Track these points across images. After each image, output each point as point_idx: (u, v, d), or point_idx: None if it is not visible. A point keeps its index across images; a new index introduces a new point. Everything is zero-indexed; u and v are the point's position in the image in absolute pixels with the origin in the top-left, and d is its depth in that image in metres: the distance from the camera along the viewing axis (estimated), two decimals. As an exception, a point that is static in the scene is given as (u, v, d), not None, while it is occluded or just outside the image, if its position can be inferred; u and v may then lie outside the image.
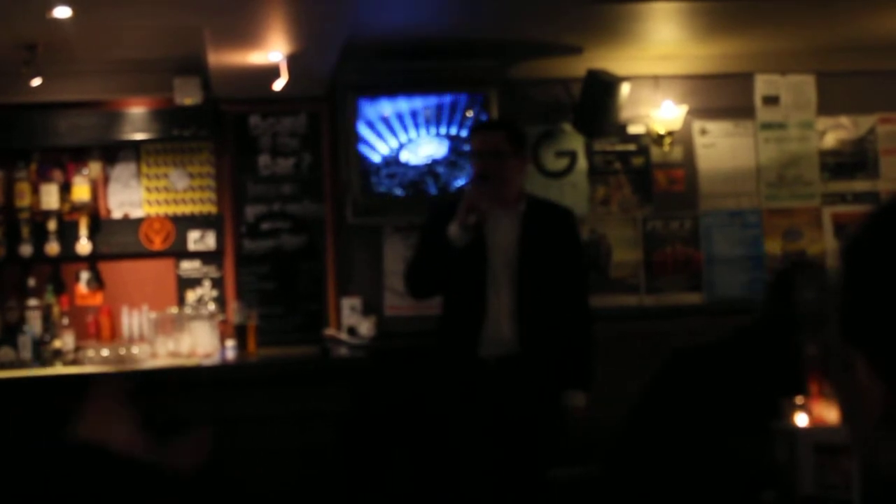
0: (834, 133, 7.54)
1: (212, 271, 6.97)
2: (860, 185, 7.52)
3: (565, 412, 4.92)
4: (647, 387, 4.38)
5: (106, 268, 6.86)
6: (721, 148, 7.44)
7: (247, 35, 5.62)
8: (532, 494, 4.94)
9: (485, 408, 4.90)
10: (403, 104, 6.83)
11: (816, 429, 3.18)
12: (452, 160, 6.82)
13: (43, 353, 6.48)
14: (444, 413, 5.06)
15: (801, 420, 3.24)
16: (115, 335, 6.73)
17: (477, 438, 4.92)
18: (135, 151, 6.94)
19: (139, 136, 6.81)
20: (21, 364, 6.40)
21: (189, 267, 6.96)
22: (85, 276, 6.82)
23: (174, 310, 6.78)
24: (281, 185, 7.06)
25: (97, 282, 6.83)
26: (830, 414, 3.19)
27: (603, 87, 6.81)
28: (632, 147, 7.38)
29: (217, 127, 6.92)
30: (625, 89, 6.84)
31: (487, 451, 4.92)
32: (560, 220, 5.16)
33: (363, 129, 6.78)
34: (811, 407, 3.26)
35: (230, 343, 6.68)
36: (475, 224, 4.81)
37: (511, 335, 4.90)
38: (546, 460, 5.01)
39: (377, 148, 6.80)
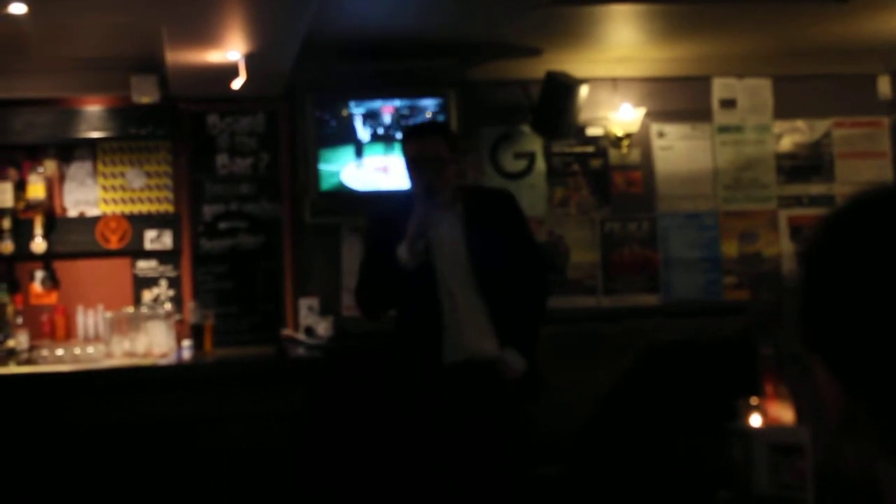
0: (790, 136, 7.60)
1: (168, 271, 6.93)
2: (816, 188, 7.59)
3: (499, 367, 4.74)
4: (619, 382, 4.40)
5: (61, 267, 6.81)
6: (678, 150, 7.49)
7: (205, 33, 5.59)
8: (497, 496, 4.85)
9: (449, 413, 4.78)
10: (361, 105, 6.84)
11: (771, 429, 3.20)
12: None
13: (-4, 353, 6.43)
14: (407, 420, 4.99)
15: (756, 420, 3.27)
16: (70, 335, 6.68)
17: (441, 444, 4.83)
18: (91, 150, 6.89)
19: (95, 135, 6.76)
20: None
21: (145, 266, 6.92)
22: (40, 275, 6.77)
23: (130, 309, 6.73)
24: (239, 184, 7.03)
25: (52, 281, 6.77)
26: (785, 414, 3.22)
27: (561, 89, 6.84)
28: (590, 149, 7.41)
29: (174, 126, 6.88)
30: (583, 91, 6.87)
31: (452, 456, 4.83)
32: (499, 204, 4.98)
33: (321, 130, 6.78)
34: (766, 407, 3.28)
35: (186, 343, 6.65)
36: (424, 244, 4.67)
37: (473, 338, 4.76)
38: (512, 464, 4.86)
39: (334, 149, 6.80)
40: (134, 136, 6.81)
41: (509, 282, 4.82)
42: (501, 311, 4.78)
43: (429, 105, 6.89)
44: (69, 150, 6.86)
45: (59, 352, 6.50)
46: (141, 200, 6.93)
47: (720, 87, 7.55)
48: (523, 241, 4.97)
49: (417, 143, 4.83)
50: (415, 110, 6.88)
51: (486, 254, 4.81)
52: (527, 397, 4.93)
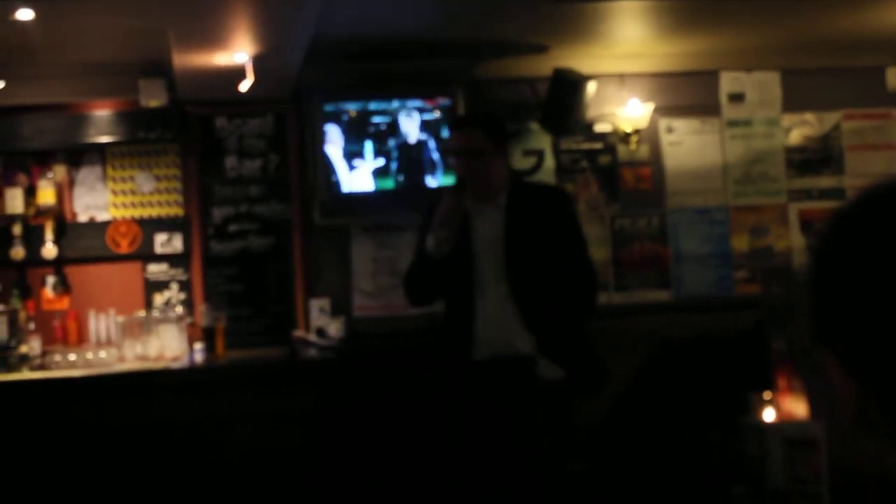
0: (799, 130, 7.58)
1: (179, 274, 6.94)
2: (826, 182, 7.56)
3: (539, 381, 4.63)
4: (630, 381, 4.39)
5: (72, 272, 6.82)
6: (687, 145, 7.47)
7: (212, 36, 5.59)
8: (524, 495, 4.73)
9: (472, 411, 4.69)
10: (368, 107, 6.85)
11: (785, 423, 3.20)
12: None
13: (9, 359, 6.43)
14: (430, 415, 4.93)
15: (769, 415, 3.26)
16: (82, 339, 6.68)
17: (462, 442, 4.76)
18: (100, 154, 6.89)
19: (104, 139, 6.77)
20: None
21: (156, 270, 6.92)
22: (51, 280, 6.78)
23: (142, 313, 6.74)
24: (248, 186, 7.03)
25: (63, 286, 6.78)
26: (799, 408, 3.21)
27: (569, 86, 6.82)
28: (599, 145, 7.40)
29: (183, 129, 6.88)
30: (591, 88, 6.86)
31: (473, 454, 4.74)
32: (548, 201, 4.86)
33: (329, 131, 6.79)
34: (780, 402, 3.28)
35: (198, 346, 6.64)
36: (451, 234, 4.58)
37: (502, 335, 4.64)
38: (542, 462, 4.70)
39: (341, 150, 6.81)
40: (143, 139, 6.81)
41: (548, 283, 4.70)
42: (536, 310, 4.67)
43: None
44: (78, 156, 6.87)
45: (72, 356, 6.51)
46: (151, 204, 6.94)
47: (728, 82, 7.54)
48: (570, 243, 4.82)
49: (455, 136, 4.85)
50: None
51: (523, 251, 4.70)
52: (585, 393, 4.85)
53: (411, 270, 4.94)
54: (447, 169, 6.77)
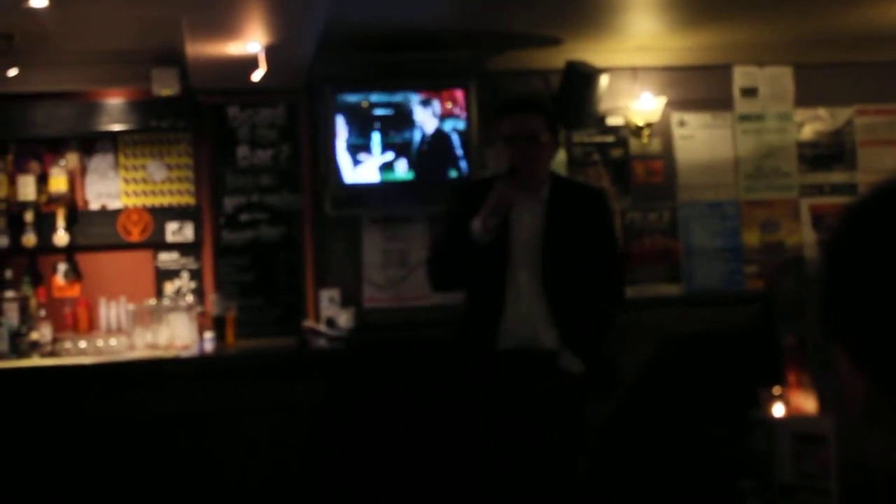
0: (811, 125, 7.57)
1: (190, 263, 6.95)
2: (838, 177, 7.55)
3: (558, 361, 4.61)
4: (637, 376, 4.38)
5: (83, 259, 6.83)
6: (699, 139, 7.46)
7: (225, 26, 5.60)
8: (540, 489, 4.72)
9: (492, 401, 4.66)
10: (381, 98, 6.84)
11: (794, 418, 3.19)
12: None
13: (20, 346, 6.45)
14: (441, 405, 4.90)
15: (778, 410, 3.25)
16: (92, 327, 6.70)
17: (483, 431, 4.73)
18: (112, 143, 6.91)
19: (117, 128, 6.78)
20: (-2, 356, 6.38)
21: (167, 258, 6.93)
22: (62, 267, 6.79)
23: (152, 301, 6.76)
24: (259, 176, 7.04)
25: (75, 273, 6.80)
26: (808, 403, 3.21)
27: (582, 79, 6.82)
28: (610, 138, 7.39)
29: (195, 118, 6.89)
30: (604, 81, 6.85)
31: (492, 445, 4.68)
32: (588, 201, 4.82)
33: (340, 122, 6.79)
34: (789, 396, 3.27)
35: (208, 335, 6.65)
36: (499, 221, 4.51)
37: (529, 327, 4.61)
38: (558, 456, 4.68)
39: (353, 141, 6.81)
40: (155, 128, 6.82)
41: (579, 280, 4.67)
42: (565, 306, 4.64)
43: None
44: (91, 143, 6.88)
45: (82, 344, 6.53)
46: (162, 193, 6.95)
47: (741, 76, 7.52)
48: (604, 244, 4.81)
49: (517, 122, 4.66)
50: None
51: (560, 247, 4.66)
52: (597, 393, 4.82)
53: (441, 253, 4.88)
54: (468, 159, 6.79)
